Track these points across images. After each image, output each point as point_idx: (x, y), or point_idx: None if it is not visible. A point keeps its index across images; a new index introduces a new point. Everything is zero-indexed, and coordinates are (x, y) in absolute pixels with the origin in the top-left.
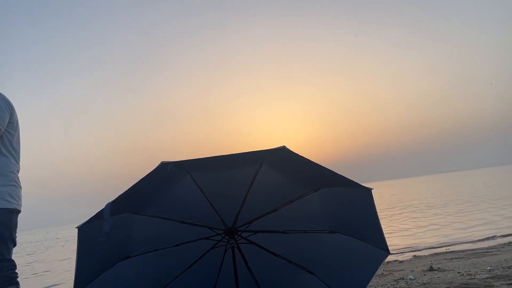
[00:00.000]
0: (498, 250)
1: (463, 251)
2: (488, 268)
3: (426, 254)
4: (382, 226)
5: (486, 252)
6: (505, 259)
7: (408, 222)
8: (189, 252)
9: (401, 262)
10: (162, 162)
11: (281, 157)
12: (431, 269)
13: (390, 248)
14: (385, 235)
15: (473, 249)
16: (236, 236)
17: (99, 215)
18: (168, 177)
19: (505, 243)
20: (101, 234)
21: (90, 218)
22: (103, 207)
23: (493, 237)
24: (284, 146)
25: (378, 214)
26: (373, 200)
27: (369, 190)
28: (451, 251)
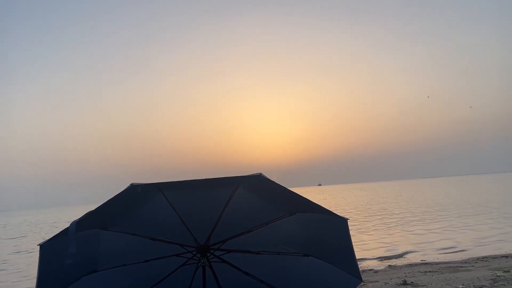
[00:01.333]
0: (472, 266)
1: (438, 263)
2: (460, 286)
3: (401, 265)
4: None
5: (460, 267)
6: (477, 277)
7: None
8: (159, 268)
9: (376, 272)
10: (132, 184)
11: (257, 183)
12: (404, 283)
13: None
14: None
15: (447, 262)
16: (208, 255)
17: (64, 232)
18: (139, 196)
19: (478, 258)
20: (67, 256)
21: (55, 236)
22: (69, 225)
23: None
24: (261, 174)
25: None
26: (348, 229)
27: (345, 220)
28: (426, 263)
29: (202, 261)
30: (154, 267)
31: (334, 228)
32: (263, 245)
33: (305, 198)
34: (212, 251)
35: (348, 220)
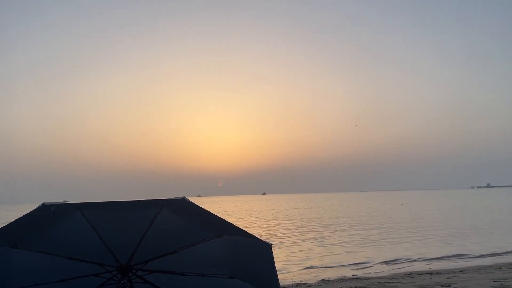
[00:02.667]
0: (399, 282)
1: (368, 278)
2: None
3: (334, 279)
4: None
5: (388, 282)
6: None
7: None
8: None
9: (309, 286)
10: (43, 204)
11: (181, 206)
12: None
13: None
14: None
15: (377, 278)
16: (130, 275)
17: None
18: (54, 214)
19: (405, 273)
20: None
21: None
22: None
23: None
24: (184, 198)
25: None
26: (272, 254)
27: (269, 245)
28: (357, 278)
29: (122, 281)
30: (70, 287)
31: (259, 253)
32: (188, 266)
33: (229, 222)
34: (134, 271)
35: (272, 246)
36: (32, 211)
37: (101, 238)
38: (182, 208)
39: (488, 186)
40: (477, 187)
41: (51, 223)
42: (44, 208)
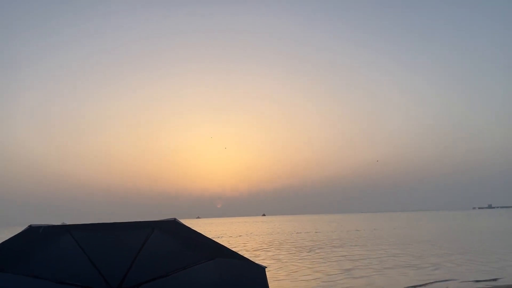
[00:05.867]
0: None
1: None
2: None
3: None
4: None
5: None
6: None
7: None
8: None
9: None
10: (30, 226)
11: (172, 228)
12: None
13: None
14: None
15: None
16: None
17: None
18: (42, 236)
19: None
20: None
21: None
22: None
23: None
24: (175, 219)
25: None
26: (266, 277)
27: (263, 268)
28: None
29: None
30: None
31: (252, 275)
32: None
33: (222, 244)
34: None
35: (266, 268)
36: (19, 233)
37: (91, 261)
38: (173, 230)
39: (490, 206)
40: (479, 208)
41: (38, 246)
42: (32, 230)
